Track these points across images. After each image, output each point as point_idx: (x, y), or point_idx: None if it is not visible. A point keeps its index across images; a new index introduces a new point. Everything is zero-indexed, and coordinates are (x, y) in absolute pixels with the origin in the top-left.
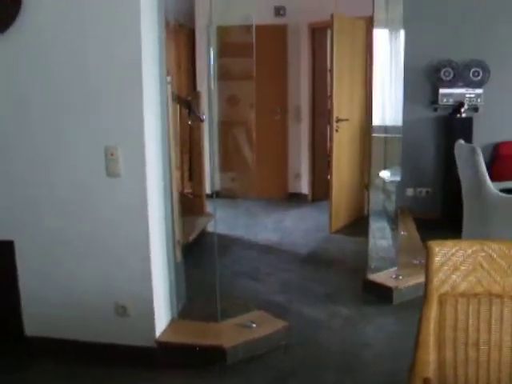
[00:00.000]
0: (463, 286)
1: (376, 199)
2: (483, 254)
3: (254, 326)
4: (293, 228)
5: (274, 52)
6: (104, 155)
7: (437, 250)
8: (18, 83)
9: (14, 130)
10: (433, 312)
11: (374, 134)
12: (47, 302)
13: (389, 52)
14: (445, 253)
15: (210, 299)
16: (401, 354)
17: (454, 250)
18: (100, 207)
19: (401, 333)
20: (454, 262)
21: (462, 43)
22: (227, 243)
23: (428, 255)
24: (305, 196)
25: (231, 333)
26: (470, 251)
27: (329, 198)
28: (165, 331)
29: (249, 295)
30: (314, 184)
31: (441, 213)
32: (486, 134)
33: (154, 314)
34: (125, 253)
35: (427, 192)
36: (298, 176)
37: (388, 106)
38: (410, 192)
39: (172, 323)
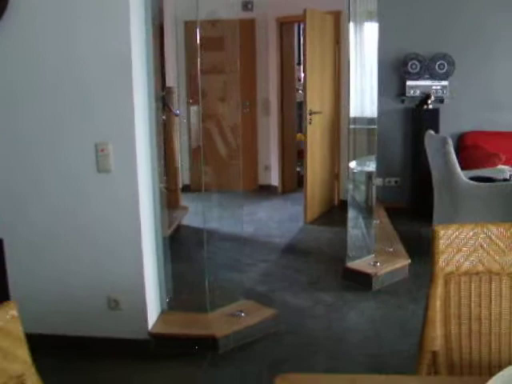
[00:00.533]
0: (466, 266)
1: (352, 189)
2: (483, 235)
3: (243, 315)
4: (267, 219)
5: (242, 46)
6: (94, 151)
7: (442, 233)
8: (6, 78)
9: (0, 125)
10: (439, 291)
11: (353, 126)
12: (38, 299)
13: (364, 45)
14: (449, 235)
15: (196, 290)
16: (385, 337)
17: (457, 233)
18: (91, 202)
19: (382, 317)
20: (457, 244)
21: (428, 37)
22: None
23: (434, 238)
24: (275, 188)
25: (221, 322)
26: (471, 233)
27: (302, 190)
28: (156, 323)
29: (232, 286)
30: (283, 176)
31: (409, 202)
32: (451, 124)
33: (146, 307)
34: (117, 247)
35: (396, 182)
36: (267, 168)
37: (362, 98)
38: (378, 182)
39: (162, 315)
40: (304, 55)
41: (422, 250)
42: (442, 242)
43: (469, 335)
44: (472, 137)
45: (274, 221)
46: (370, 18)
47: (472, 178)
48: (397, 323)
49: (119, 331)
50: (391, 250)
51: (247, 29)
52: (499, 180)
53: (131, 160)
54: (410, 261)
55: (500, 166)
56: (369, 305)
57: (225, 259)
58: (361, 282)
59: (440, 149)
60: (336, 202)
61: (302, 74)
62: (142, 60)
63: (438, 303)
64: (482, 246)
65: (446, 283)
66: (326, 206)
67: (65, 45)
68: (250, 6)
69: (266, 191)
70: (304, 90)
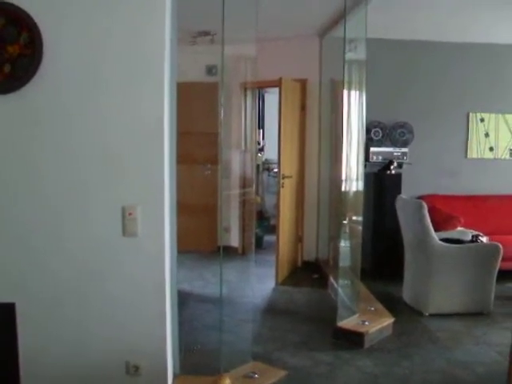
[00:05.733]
0: None
1: (331, 249)
2: None
3: (257, 376)
4: (236, 280)
5: (205, 108)
6: (121, 214)
7: None
8: (29, 141)
9: (23, 186)
10: None
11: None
12: (50, 367)
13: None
14: None
15: (200, 352)
16: None
17: None
18: (114, 265)
19: (383, 374)
20: None
21: (390, 106)
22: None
23: None
24: (235, 249)
25: None
26: None
27: (261, 251)
28: None
29: (227, 347)
30: (244, 237)
31: (371, 263)
32: (410, 188)
33: (167, 372)
34: (140, 310)
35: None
36: (227, 229)
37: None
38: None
39: (177, 379)
40: (279, 122)
41: (397, 308)
42: None
43: None
44: (430, 200)
45: (244, 281)
46: (356, 87)
47: (441, 240)
48: (398, 380)
49: None
50: (372, 309)
51: (211, 92)
52: (466, 241)
53: (160, 223)
54: (394, 319)
55: (460, 228)
56: (366, 362)
57: (208, 320)
58: (352, 340)
59: (416, 213)
60: (299, 264)
61: (261, 138)
62: (168, 121)
63: None
64: None
65: None
66: (292, 268)
67: (95, 107)
68: (214, 70)
69: (225, 252)
70: (278, 154)
